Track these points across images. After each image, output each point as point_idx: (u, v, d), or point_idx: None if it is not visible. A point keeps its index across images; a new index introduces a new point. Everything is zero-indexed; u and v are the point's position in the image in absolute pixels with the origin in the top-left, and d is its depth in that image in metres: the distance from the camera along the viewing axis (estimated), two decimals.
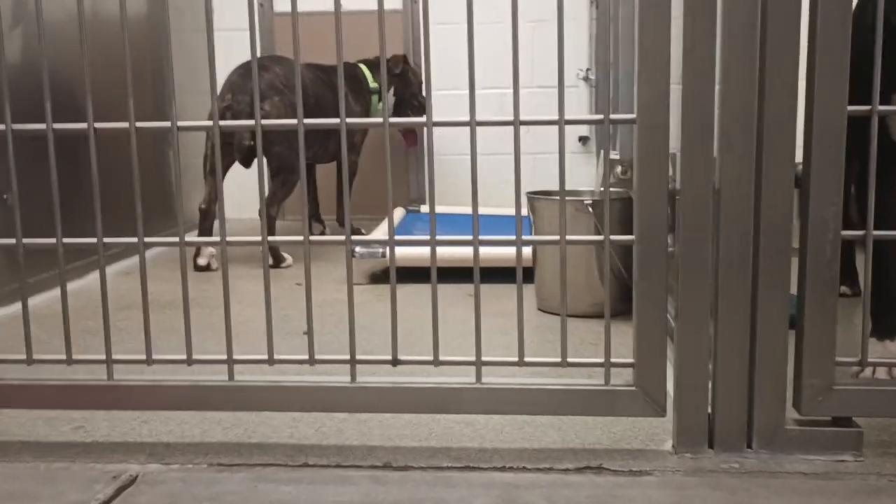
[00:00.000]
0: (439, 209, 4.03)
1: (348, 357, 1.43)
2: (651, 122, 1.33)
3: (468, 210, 3.75)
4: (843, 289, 2.41)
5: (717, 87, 1.34)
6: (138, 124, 1.36)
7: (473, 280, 1.41)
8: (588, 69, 4.15)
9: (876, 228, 1.35)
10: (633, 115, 1.34)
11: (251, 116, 3.10)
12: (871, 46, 1.31)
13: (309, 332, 1.43)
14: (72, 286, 2.29)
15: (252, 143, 3.20)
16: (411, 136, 4.29)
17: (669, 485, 1.30)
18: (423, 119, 1.37)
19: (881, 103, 1.31)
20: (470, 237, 1.41)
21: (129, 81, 1.36)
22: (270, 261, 3.23)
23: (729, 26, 1.31)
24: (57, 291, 2.69)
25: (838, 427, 1.37)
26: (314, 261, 3.29)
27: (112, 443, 1.47)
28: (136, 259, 3.37)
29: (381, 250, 2.86)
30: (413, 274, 2.83)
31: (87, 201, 2.73)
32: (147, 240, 1.40)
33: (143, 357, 1.44)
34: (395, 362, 1.43)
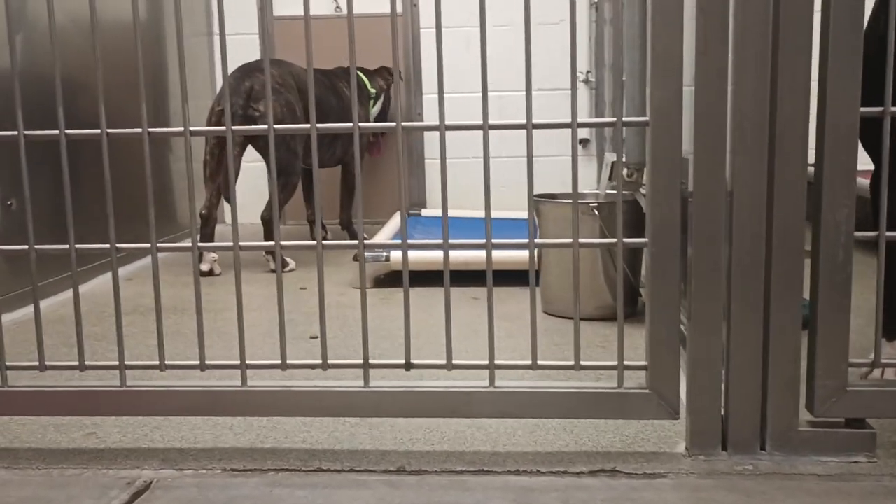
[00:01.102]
0: (438, 212, 4.03)
1: (361, 361, 1.43)
2: (664, 125, 1.33)
3: (468, 213, 3.75)
4: None
5: (729, 89, 1.34)
6: (151, 130, 1.36)
7: (483, 283, 1.41)
8: (588, 72, 4.17)
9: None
10: (646, 118, 1.34)
11: (245, 118, 3.10)
12: (884, 58, 1.31)
13: (322, 337, 1.43)
14: (71, 292, 2.27)
15: (239, 153, 3.21)
16: (375, 146, 4.34)
17: (684, 487, 1.30)
18: (437, 123, 1.37)
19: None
20: (481, 241, 1.40)
21: (141, 89, 1.35)
22: (274, 265, 3.23)
23: (741, 28, 1.32)
24: (58, 297, 2.71)
25: (851, 428, 1.38)
26: (313, 263, 3.30)
27: (125, 449, 1.47)
28: (137, 265, 3.37)
29: (384, 254, 2.86)
30: (416, 277, 2.83)
31: (83, 206, 2.73)
32: (160, 245, 1.39)
33: (156, 363, 1.44)
34: (409, 366, 1.43)
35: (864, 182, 1.74)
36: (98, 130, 1.36)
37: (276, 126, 1.38)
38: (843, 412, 1.37)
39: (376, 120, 3.96)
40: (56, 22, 1.36)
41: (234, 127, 1.38)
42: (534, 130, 1.36)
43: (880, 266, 1.37)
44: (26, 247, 1.40)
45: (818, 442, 1.37)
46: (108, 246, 1.39)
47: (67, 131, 1.37)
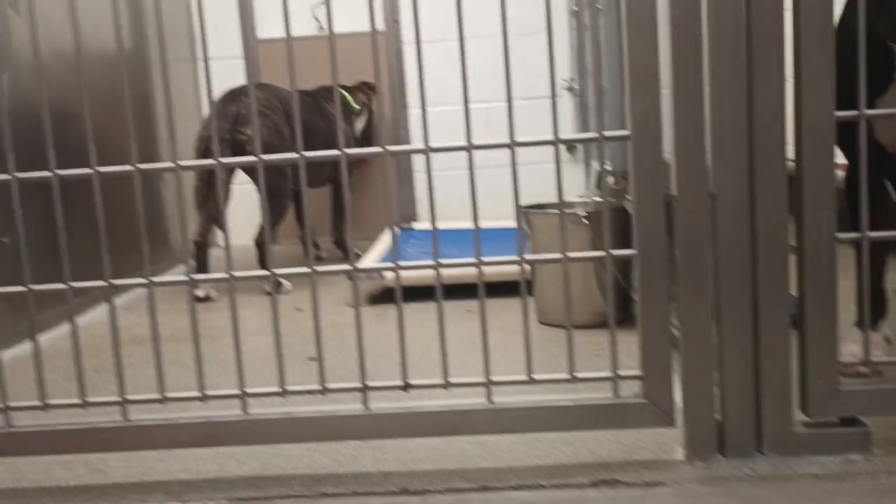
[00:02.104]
0: (430, 226, 4.05)
1: (360, 385, 1.44)
2: (645, 137, 1.36)
3: (459, 225, 3.76)
4: None
5: (706, 97, 1.36)
6: (141, 167, 1.38)
7: (475, 298, 1.43)
8: (571, 79, 4.19)
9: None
10: (627, 132, 1.36)
11: (232, 143, 3.13)
12: (853, 59, 1.34)
13: (320, 362, 1.44)
14: (69, 325, 2.28)
15: (228, 177, 3.26)
16: (362, 161, 4.34)
17: (685, 495, 1.31)
18: (422, 147, 1.39)
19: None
20: (472, 259, 1.42)
21: (130, 127, 1.37)
22: (269, 287, 3.24)
23: (715, 38, 1.34)
24: (55, 331, 2.72)
25: (846, 427, 1.40)
26: (309, 284, 3.30)
27: (130, 483, 1.48)
28: (132, 295, 3.38)
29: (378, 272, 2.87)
30: (410, 292, 2.84)
31: (76, 237, 2.74)
32: (155, 280, 1.41)
33: (157, 396, 1.45)
34: (407, 387, 1.44)
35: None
36: (89, 170, 1.37)
37: (265, 157, 1.40)
38: (837, 411, 1.39)
39: (362, 134, 3.97)
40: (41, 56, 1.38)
41: (222, 159, 1.40)
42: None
43: (864, 267, 1.39)
44: (23, 287, 1.42)
45: (814, 442, 1.39)
46: (104, 283, 1.41)
47: (59, 171, 1.39)
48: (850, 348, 1.76)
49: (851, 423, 1.40)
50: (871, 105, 1.37)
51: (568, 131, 4.04)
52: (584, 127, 4.05)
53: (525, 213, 2.50)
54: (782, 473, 1.35)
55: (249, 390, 1.45)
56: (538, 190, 4.30)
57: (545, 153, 4.21)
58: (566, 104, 4.20)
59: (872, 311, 1.74)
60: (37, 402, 1.47)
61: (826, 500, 1.26)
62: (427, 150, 1.39)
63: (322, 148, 1.39)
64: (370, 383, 1.44)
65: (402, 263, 1.45)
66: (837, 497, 1.27)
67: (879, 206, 1.75)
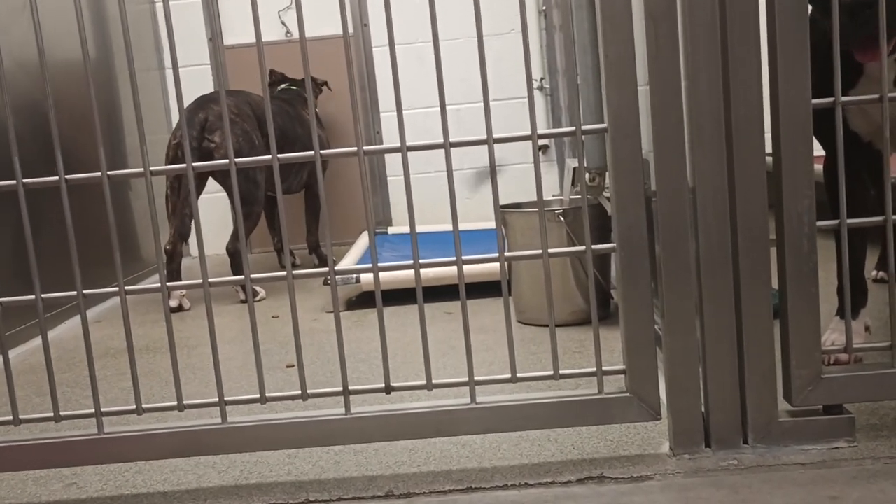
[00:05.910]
0: (405, 229, 4.03)
1: (341, 389, 1.42)
2: (623, 130, 1.35)
3: (434, 227, 3.76)
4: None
5: (683, 90, 1.36)
6: (110, 173, 1.34)
7: (456, 297, 1.41)
8: (542, 78, 4.20)
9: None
10: (605, 125, 1.36)
11: (200, 150, 3.09)
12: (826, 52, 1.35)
13: (299, 368, 1.42)
14: (39, 340, 2.22)
15: (199, 186, 3.22)
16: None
17: (672, 488, 1.31)
18: (398, 146, 1.37)
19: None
20: (452, 258, 1.40)
21: (98, 134, 1.34)
22: (244, 296, 3.21)
23: (691, 30, 1.34)
24: (26, 346, 2.67)
25: (830, 415, 1.39)
26: (283, 291, 3.28)
27: (107, 497, 1.45)
28: (104, 306, 3.33)
29: (354, 276, 2.85)
30: (388, 295, 2.83)
31: (46, 250, 2.69)
32: (128, 288, 1.38)
33: (133, 407, 1.42)
34: (389, 389, 1.42)
35: (817, 167, 1.79)
36: (56, 178, 1.34)
37: (237, 160, 1.37)
38: (821, 399, 1.39)
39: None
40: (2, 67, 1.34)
41: (194, 164, 1.37)
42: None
43: (843, 254, 1.39)
44: None
45: (799, 431, 1.39)
46: (75, 293, 1.38)
47: (25, 180, 1.35)
48: (830, 337, 1.77)
49: (835, 410, 1.40)
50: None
51: (540, 131, 4.07)
52: (557, 126, 4.07)
53: (502, 212, 2.49)
54: (768, 463, 1.35)
55: (228, 398, 1.42)
56: (512, 191, 4.32)
57: (518, 155, 4.24)
58: (538, 103, 4.21)
59: (852, 300, 1.75)
60: (8, 417, 1.43)
61: (812, 488, 1.26)
62: (404, 149, 1.38)
63: (307, 158, 1.37)
64: (351, 387, 1.42)
65: (382, 265, 1.42)
66: (823, 484, 1.27)
67: (859, 196, 1.76)
